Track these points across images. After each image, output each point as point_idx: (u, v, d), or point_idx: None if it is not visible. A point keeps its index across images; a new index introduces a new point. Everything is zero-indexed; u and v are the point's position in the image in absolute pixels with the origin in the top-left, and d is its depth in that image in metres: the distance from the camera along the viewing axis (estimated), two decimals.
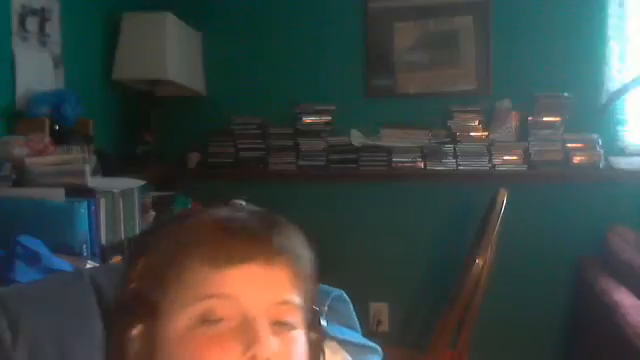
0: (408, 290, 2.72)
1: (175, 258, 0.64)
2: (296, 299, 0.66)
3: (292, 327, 0.65)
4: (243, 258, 0.63)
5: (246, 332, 0.61)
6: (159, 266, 0.65)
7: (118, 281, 0.70)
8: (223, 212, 0.69)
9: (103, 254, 1.53)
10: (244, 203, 2.07)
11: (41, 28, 2.02)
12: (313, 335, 0.69)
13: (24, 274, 1.15)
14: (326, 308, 0.82)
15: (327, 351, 0.75)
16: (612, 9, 2.53)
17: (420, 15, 2.70)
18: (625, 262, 2.11)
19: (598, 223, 2.43)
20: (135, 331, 0.64)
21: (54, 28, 2.09)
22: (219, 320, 0.62)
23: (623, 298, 1.88)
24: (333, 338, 0.82)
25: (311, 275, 0.70)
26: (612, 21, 2.53)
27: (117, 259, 1.59)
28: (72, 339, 0.72)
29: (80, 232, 1.44)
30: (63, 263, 1.25)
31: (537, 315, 2.57)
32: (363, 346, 0.90)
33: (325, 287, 0.86)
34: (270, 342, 0.61)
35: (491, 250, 2.12)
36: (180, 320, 0.62)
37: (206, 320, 0.62)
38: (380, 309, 2.74)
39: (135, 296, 0.66)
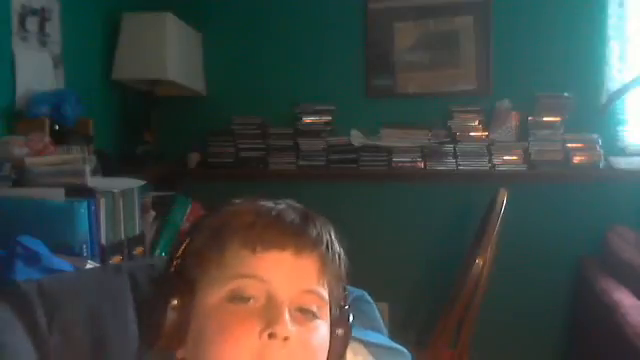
0: (408, 290, 2.72)
1: (217, 241, 0.70)
2: (322, 291, 0.70)
3: (315, 316, 0.69)
4: (277, 245, 0.69)
5: (269, 312, 0.65)
6: (202, 247, 0.71)
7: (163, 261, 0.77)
8: (267, 204, 0.74)
9: (103, 254, 1.52)
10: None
11: (41, 28, 2.02)
12: (340, 331, 0.73)
13: (24, 274, 1.15)
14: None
15: (349, 351, 0.77)
16: (612, 9, 2.53)
17: (420, 15, 2.70)
18: (625, 262, 2.11)
19: (598, 223, 2.43)
20: (174, 303, 0.69)
21: (54, 28, 2.09)
22: (247, 299, 0.67)
23: (623, 298, 1.88)
24: (358, 340, 0.83)
25: (340, 274, 0.74)
26: (612, 21, 2.53)
27: (117, 259, 1.59)
28: (106, 326, 0.80)
29: (80, 232, 1.44)
30: (63, 263, 1.25)
31: (537, 315, 2.57)
32: (390, 349, 0.90)
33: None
34: (290, 324, 0.65)
35: (491, 250, 2.12)
36: (213, 295, 0.68)
37: (235, 297, 0.67)
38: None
39: (178, 272, 0.72)
